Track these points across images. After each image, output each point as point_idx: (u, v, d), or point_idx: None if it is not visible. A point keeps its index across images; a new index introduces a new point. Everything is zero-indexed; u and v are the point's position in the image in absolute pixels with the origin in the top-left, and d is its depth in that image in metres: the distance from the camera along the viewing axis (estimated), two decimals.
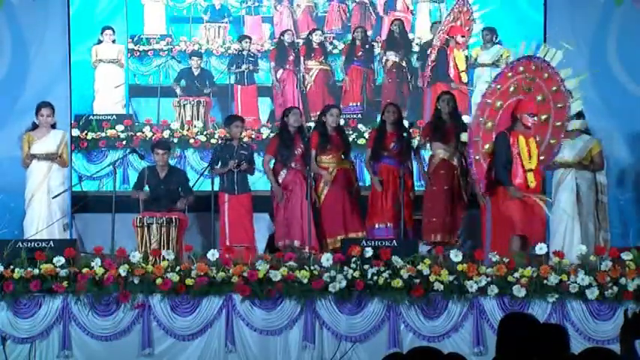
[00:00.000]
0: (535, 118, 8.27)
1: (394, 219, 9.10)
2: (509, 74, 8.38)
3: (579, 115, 8.92)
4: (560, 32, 9.99)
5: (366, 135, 10.48)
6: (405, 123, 9.62)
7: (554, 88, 8.45)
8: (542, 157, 8.49)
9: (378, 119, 9.83)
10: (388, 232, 9.09)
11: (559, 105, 8.48)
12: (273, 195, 9.33)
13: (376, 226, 9.22)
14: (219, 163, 9.32)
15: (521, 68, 8.38)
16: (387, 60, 10.99)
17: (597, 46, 9.97)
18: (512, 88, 8.38)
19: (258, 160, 9.81)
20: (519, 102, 8.34)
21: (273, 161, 9.39)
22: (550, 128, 8.51)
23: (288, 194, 9.23)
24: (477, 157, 8.36)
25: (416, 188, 9.45)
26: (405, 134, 9.26)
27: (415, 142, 9.89)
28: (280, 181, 9.27)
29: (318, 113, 9.72)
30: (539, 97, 8.42)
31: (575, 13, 10.01)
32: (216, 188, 9.27)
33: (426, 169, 9.43)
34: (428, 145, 9.52)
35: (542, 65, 8.41)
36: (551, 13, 10.08)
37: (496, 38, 10.79)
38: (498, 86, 8.39)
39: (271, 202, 9.42)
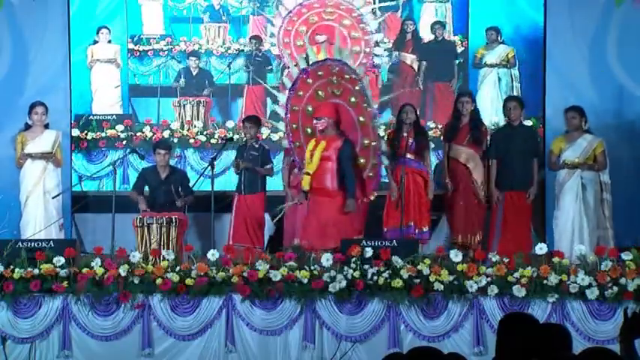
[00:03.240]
0: (315, 120, 8.43)
1: (416, 218, 9.04)
2: (309, 80, 8.49)
3: (580, 114, 8.94)
4: (560, 32, 10.00)
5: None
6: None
7: (356, 88, 8.57)
8: (374, 162, 8.72)
9: (380, 119, 9.76)
10: (410, 231, 8.92)
11: (364, 105, 8.63)
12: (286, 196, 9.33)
13: (400, 227, 9.08)
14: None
15: (320, 72, 8.45)
16: (398, 60, 10.97)
17: (597, 46, 9.97)
18: (320, 93, 8.43)
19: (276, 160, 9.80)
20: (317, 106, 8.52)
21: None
22: (370, 130, 8.71)
23: (295, 195, 9.20)
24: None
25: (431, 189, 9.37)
26: (421, 134, 9.22)
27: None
28: (292, 180, 9.26)
29: None
30: (352, 99, 8.55)
31: (575, 13, 10.00)
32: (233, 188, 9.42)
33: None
34: (446, 145, 9.42)
35: (341, 66, 8.50)
36: (551, 13, 10.07)
37: (501, 38, 10.78)
38: (300, 92, 8.53)
39: (281, 202, 9.39)
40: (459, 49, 10.96)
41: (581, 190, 8.87)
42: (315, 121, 8.45)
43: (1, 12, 10.16)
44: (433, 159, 9.57)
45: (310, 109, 8.54)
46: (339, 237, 8.17)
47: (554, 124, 9.66)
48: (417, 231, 8.91)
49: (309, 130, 8.59)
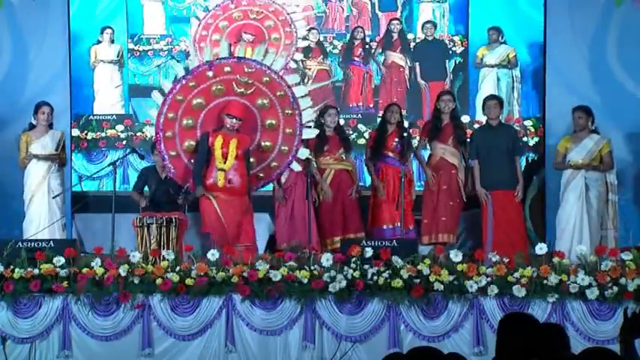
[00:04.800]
0: (234, 120, 8.37)
1: (401, 219, 9.06)
2: (209, 73, 8.34)
3: (587, 114, 8.95)
4: (560, 32, 10.00)
5: (366, 135, 10.49)
6: (405, 123, 9.64)
7: (279, 93, 8.38)
8: (274, 164, 8.64)
9: (379, 119, 9.83)
10: (396, 233, 9.02)
11: (287, 111, 8.43)
12: (274, 196, 9.31)
13: (384, 227, 9.15)
14: None
15: (227, 69, 8.30)
16: (385, 60, 11.00)
17: (597, 46, 9.97)
18: (216, 88, 8.34)
19: None
20: (227, 103, 8.40)
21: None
22: (280, 135, 8.55)
23: (288, 194, 9.21)
24: (173, 153, 8.55)
25: (416, 188, 9.45)
26: (405, 134, 9.25)
27: (415, 142, 9.89)
28: (283, 181, 9.24)
29: (317, 114, 9.69)
30: (261, 101, 8.39)
31: (575, 13, 10.01)
32: None
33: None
34: (427, 144, 9.48)
35: (261, 69, 8.33)
36: (551, 13, 10.08)
37: (502, 38, 10.79)
38: (192, 83, 8.37)
39: (272, 203, 9.39)
40: (459, 49, 10.96)
41: (585, 190, 8.87)
42: (231, 120, 8.36)
43: (1, 12, 10.17)
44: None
45: (197, 102, 8.42)
46: (248, 236, 8.42)
47: (554, 124, 9.67)
48: (403, 230, 8.97)
49: (188, 122, 8.48)
